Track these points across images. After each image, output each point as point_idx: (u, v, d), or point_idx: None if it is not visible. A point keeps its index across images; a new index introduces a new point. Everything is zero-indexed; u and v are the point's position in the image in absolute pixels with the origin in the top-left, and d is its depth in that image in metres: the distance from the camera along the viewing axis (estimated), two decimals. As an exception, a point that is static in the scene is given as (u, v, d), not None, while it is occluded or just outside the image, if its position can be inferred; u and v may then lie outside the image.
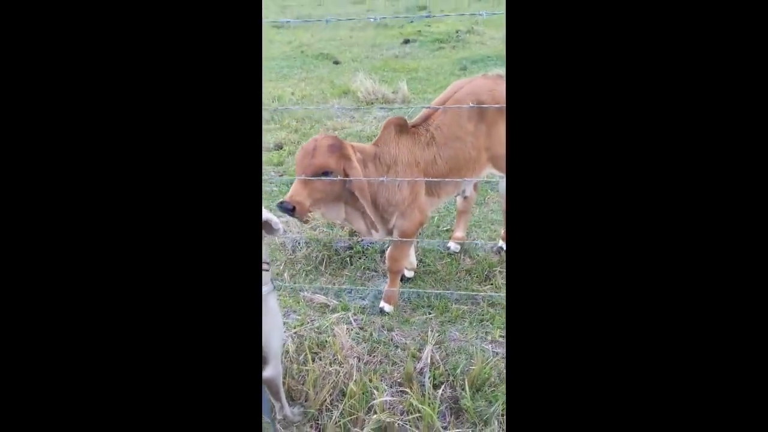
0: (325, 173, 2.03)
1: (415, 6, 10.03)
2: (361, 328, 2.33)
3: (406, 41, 7.64)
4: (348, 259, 2.84)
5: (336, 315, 2.37)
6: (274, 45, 7.94)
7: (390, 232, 2.36)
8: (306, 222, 2.12)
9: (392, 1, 10.84)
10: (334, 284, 2.67)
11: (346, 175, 2.06)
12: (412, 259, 2.63)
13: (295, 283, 2.67)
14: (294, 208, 1.97)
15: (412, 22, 8.99)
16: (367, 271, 2.78)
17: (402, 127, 2.23)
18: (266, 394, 1.68)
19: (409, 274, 2.65)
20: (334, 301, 2.52)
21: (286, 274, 2.73)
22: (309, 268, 2.80)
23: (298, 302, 2.52)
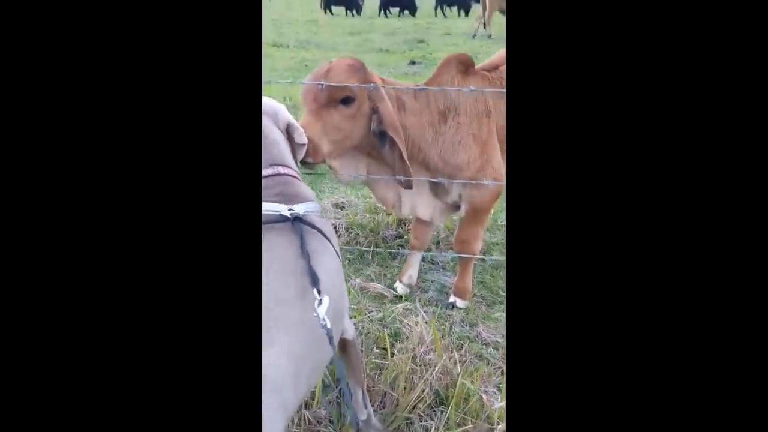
0: (345, 100, 1.46)
1: (413, 39, 10.04)
2: (435, 323, 1.83)
3: (413, 62, 7.51)
4: (399, 248, 2.37)
5: (401, 306, 1.88)
6: (275, 59, 7.64)
7: (450, 207, 1.85)
8: (312, 164, 1.49)
9: (389, 35, 10.86)
10: (385, 275, 2.19)
11: (374, 110, 1.49)
12: (412, 272, 2.04)
13: (337, 273, 2.17)
14: (304, 146, 1.37)
15: (412, 50, 8.94)
16: (423, 263, 2.31)
17: (467, 66, 1.65)
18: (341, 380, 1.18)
19: (402, 290, 2.02)
20: (393, 291, 2.03)
21: (325, 262, 2.23)
22: (352, 256, 2.31)
23: (349, 291, 2.02)
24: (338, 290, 1.07)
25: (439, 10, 19.09)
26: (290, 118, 1.25)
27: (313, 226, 1.08)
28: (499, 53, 1.88)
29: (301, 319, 0.92)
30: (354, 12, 19.21)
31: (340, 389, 1.43)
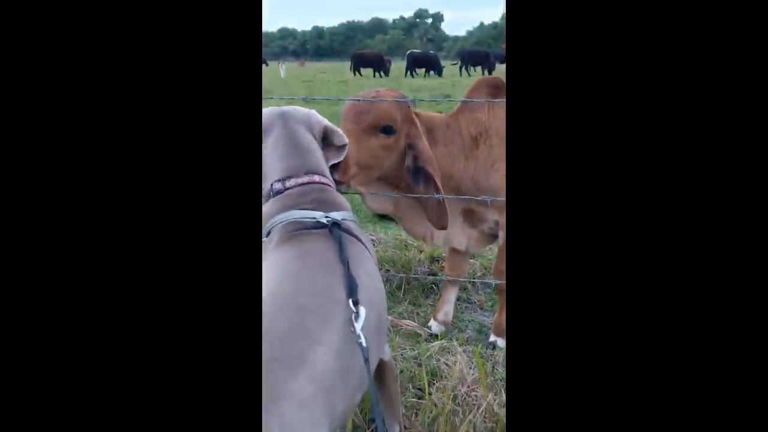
0: (387, 129, 1.41)
1: (440, 94, 10.32)
2: (479, 359, 1.67)
3: (413, 100, 7.65)
4: (432, 286, 2.25)
5: (437, 344, 1.74)
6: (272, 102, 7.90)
7: (487, 236, 1.73)
8: (338, 186, 1.40)
9: (415, 91, 11.20)
10: (418, 314, 2.06)
11: (410, 146, 1.46)
12: (447, 309, 1.90)
13: (367, 310, 2.05)
14: (337, 164, 1.30)
15: (439, 103, 9.13)
16: (458, 302, 2.17)
17: (498, 90, 1.60)
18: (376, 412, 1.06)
19: (437, 329, 1.88)
20: (427, 330, 1.89)
21: (355, 299, 2.12)
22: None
23: (380, 328, 1.89)
24: (379, 301, 0.97)
25: (464, 69, 19.73)
26: (325, 121, 1.20)
27: (351, 234, 1.00)
28: None
29: (344, 324, 0.82)
30: (381, 73, 20.07)
31: (374, 428, 1.28)
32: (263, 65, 31.41)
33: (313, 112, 1.21)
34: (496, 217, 1.66)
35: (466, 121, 1.61)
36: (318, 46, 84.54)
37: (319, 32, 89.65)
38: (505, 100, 1.59)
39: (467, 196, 1.59)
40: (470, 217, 1.70)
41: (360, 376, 0.82)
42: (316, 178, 1.09)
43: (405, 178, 1.50)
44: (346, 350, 0.80)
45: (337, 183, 1.39)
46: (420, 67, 19.95)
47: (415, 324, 1.91)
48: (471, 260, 2.48)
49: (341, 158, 1.23)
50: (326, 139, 1.20)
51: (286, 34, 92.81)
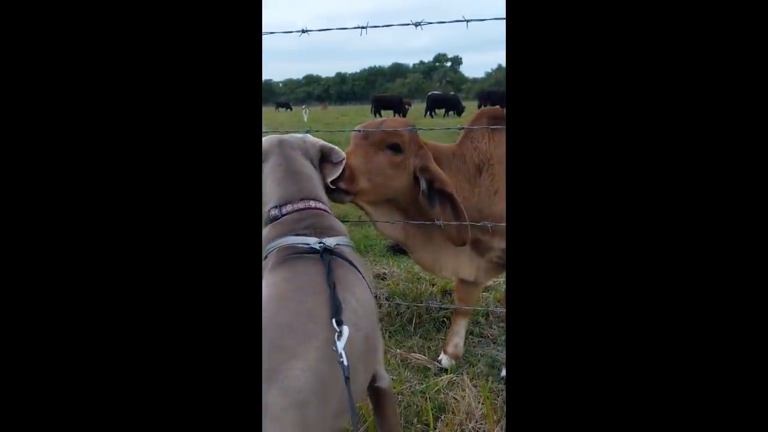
0: (394, 147, 1.45)
1: (456, 132, 10.41)
2: (486, 398, 1.61)
3: (414, 129, 7.69)
4: (444, 320, 2.20)
5: (446, 378, 1.68)
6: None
7: (496, 266, 1.70)
8: (343, 202, 1.44)
9: (432, 128, 11.31)
10: (429, 348, 2.00)
11: (423, 169, 1.48)
12: (458, 341, 1.85)
13: (376, 344, 2.01)
14: (342, 171, 1.32)
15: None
16: (471, 336, 2.11)
17: (498, 120, 1.63)
18: None
19: (447, 363, 1.82)
20: (437, 364, 1.84)
21: (364, 333, 2.08)
22: (394, 327, 2.16)
23: (389, 362, 1.84)
24: (367, 324, 0.96)
25: (483, 107, 19.94)
26: (321, 141, 1.23)
27: (343, 258, 1.00)
28: None
29: (326, 344, 0.81)
30: (400, 114, 20.52)
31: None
32: (288, 109, 32.58)
33: (308, 135, 1.24)
34: (503, 246, 1.63)
35: (470, 150, 1.63)
36: (341, 91, 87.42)
37: (341, 78, 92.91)
38: (503, 127, 1.60)
39: (468, 222, 1.58)
40: (477, 246, 1.68)
41: (342, 397, 0.80)
42: (312, 203, 1.11)
43: (421, 202, 1.51)
44: (326, 369, 0.79)
45: (345, 193, 1.41)
46: (440, 107, 20.35)
47: (425, 358, 1.86)
48: (484, 293, 2.43)
49: (338, 173, 1.25)
50: (324, 158, 1.23)
51: (311, 80, 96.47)
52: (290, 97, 70.26)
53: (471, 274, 1.72)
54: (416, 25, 1.28)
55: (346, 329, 0.83)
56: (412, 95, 49.92)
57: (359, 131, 1.50)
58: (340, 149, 1.23)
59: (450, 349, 1.84)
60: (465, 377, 1.70)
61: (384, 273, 2.61)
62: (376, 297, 2.33)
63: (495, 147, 1.61)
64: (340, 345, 0.80)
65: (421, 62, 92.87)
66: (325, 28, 1.48)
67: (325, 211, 1.13)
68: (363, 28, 1.30)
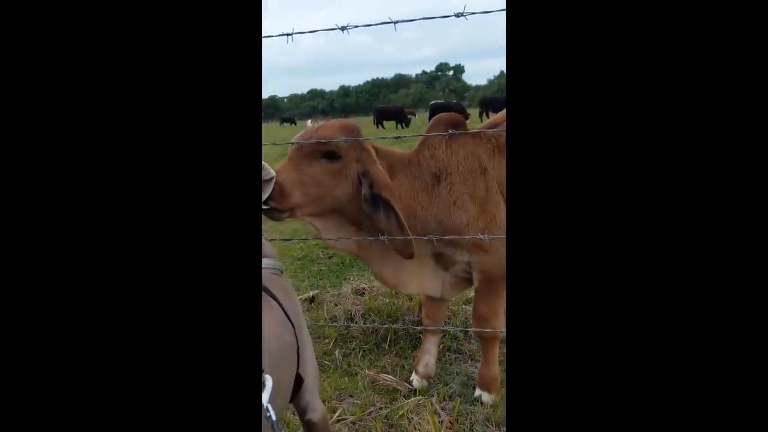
0: (329, 155, 1.37)
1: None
2: (454, 421, 1.51)
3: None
4: (420, 336, 2.11)
5: (413, 401, 1.59)
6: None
7: (461, 280, 1.61)
8: (279, 219, 1.39)
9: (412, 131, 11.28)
10: (403, 367, 1.91)
11: (364, 173, 1.39)
12: (428, 359, 1.75)
13: (349, 365, 1.93)
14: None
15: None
16: (448, 353, 2.02)
17: (456, 127, 1.52)
18: None
19: (418, 383, 1.72)
20: (407, 385, 1.74)
21: (337, 353, 2.00)
22: (368, 346, 2.07)
23: (356, 384, 1.76)
24: (285, 362, 0.88)
25: (484, 115, 19.98)
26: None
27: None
28: (501, 113, 1.77)
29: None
30: (403, 125, 20.56)
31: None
32: (293, 124, 32.80)
33: None
34: (467, 258, 1.55)
35: (426, 158, 1.55)
36: (345, 103, 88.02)
37: (345, 91, 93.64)
38: (459, 133, 1.53)
39: (426, 237, 1.50)
40: (440, 260, 1.59)
41: None
42: None
43: (365, 210, 1.43)
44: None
45: (277, 211, 1.35)
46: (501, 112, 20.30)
47: (394, 378, 1.77)
48: (465, 306, 2.34)
49: (269, 191, 1.17)
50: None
51: (315, 94, 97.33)
52: (295, 112, 70.86)
53: (437, 290, 1.64)
54: (394, 23, 1.22)
55: (269, 379, 0.74)
56: (415, 105, 50.05)
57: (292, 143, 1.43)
58: (268, 166, 1.16)
59: (421, 368, 1.76)
60: (433, 399, 1.61)
61: (363, 288, 2.53)
62: (352, 315, 2.25)
63: (453, 155, 1.53)
64: (265, 397, 0.72)
65: (424, 72, 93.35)
66: (314, 29, 1.43)
67: None
68: (344, 28, 1.24)
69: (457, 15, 1.13)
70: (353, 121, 1.52)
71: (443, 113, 1.66)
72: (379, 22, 1.25)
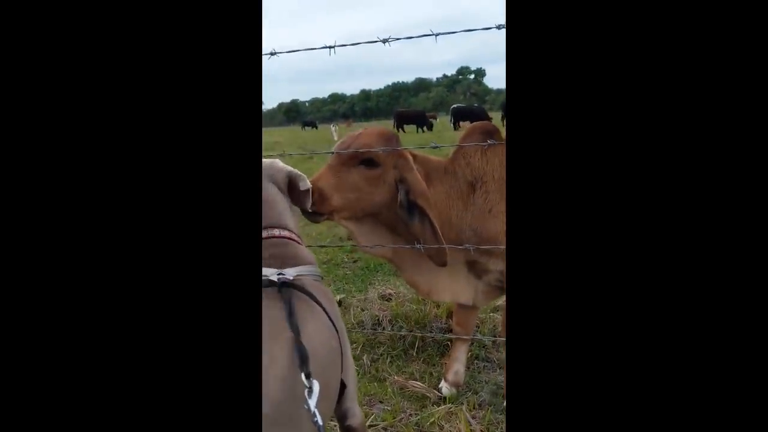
0: (368, 162, 1.39)
1: (452, 137, 10.28)
2: (485, 430, 1.50)
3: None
4: (449, 343, 2.10)
5: (443, 408, 1.59)
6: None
7: (495, 289, 1.60)
8: (317, 222, 1.41)
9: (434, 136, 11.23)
10: (431, 374, 1.91)
11: (401, 180, 1.41)
12: (458, 367, 1.73)
13: (377, 371, 1.93)
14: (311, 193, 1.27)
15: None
16: (477, 361, 2.01)
17: (492, 135, 1.52)
18: None
19: (448, 391, 1.70)
20: (436, 392, 1.74)
21: (365, 358, 2.01)
22: (396, 351, 2.07)
23: (385, 390, 1.76)
24: (331, 367, 0.89)
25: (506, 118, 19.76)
26: (288, 168, 1.18)
27: (303, 290, 0.94)
28: None
29: (290, 410, 0.75)
30: (423, 129, 20.52)
31: None
32: (314, 128, 33.06)
33: (277, 160, 1.20)
34: (501, 267, 1.54)
35: (462, 166, 1.55)
36: (366, 107, 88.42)
37: (366, 95, 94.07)
38: (497, 143, 1.52)
39: (450, 245, 1.49)
40: (474, 268, 1.59)
41: None
42: (276, 232, 1.05)
43: (400, 216, 1.44)
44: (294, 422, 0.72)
45: (317, 214, 1.37)
46: (465, 119, 20.20)
47: (423, 385, 1.76)
48: (492, 314, 2.32)
49: (308, 203, 1.20)
50: (292, 185, 1.18)
51: (336, 98, 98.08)
52: (316, 115, 71.49)
53: (469, 298, 1.63)
54: (384, 41, 1.24)
55: (316, 385, 0.75)
56: (435, 109, 49.98)
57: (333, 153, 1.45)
58: (306, 177, 1.18)
59: (450, 376, 1.75)
60: (464, 407, 1.60)
61: (390, 294, 2.53)
62: (380, 320, 2.26)
63: (488, 164, 1.53)
64: (312, 403, 0.73)
65: (445, 76, 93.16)
66: (353, 40, 1.45)
67: (290, 239, 1.07)
68: (331, 47, 1.26)
69: (499, 27, 1.13)
70: (389, 129, 1.53)
71: (478, 122, 1.65)
72: (421, 34, 1.26)
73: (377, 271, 3.08)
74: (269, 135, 25.15)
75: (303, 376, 0.76)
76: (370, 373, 1.92)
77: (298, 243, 1.09)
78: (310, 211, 1.32)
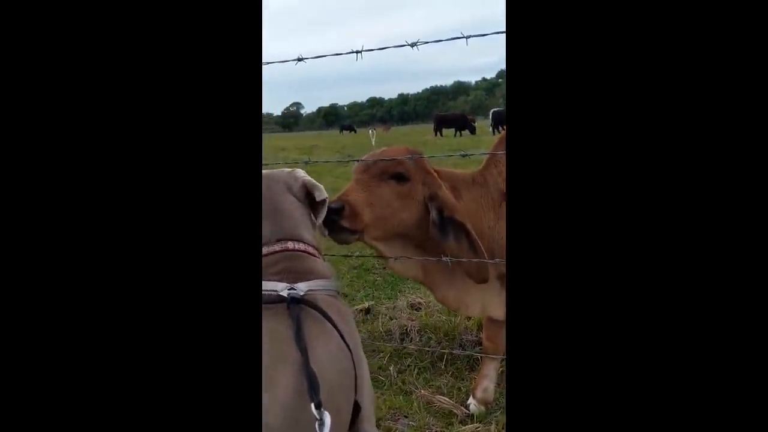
0: (398, 176, 1.34)
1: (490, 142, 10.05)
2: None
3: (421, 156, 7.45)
4: (478, 358, 2.02)
5: (470, 427, 1.52)
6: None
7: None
8: (346, 242, 1.33)
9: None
10: (459, 389, 1.84)
11: (432, 197, 1.36)
12: (488, 384, 1.66)
13: (403, 383, 1.88)
14: (342, 209, 1.24)
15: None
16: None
17: None
18: None
19: (476, 408, 1.63)
20: (464, 409, 1.67)
21: (392, 369, 1.96)
22: (423, 363, 2.01)
23: (411, 404, 1.70)
24: (343, 391, 0.84)
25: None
26: (306, 177, 1.14)
27: (315, 306, 0.89)
28: None
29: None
30: (461, 133, 20.28)
31: None
32: (352, 132, 33.30)
33: (297, 169, 1.16)
34: None
35: (494, 175, 1.49)
36: (403, 111, 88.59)
37: (404, 99, 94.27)
38: None
39: (486, 259, 1.42)
40: (504, 280, 1.52)
41: None
42: (290, 245, 1.01)
43: (432, 236, 1.39)
44: None
45: (349, 231, 1.31)
46: (502, 124, 19.88)
47: (450, 401, 1.70)
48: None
49: (323, 213, 1.14)
50: (309, 195, 1.14)
51: (374, 102, 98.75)
52: (355, 119, 72.16)
53: (501, 313, 1.56)
54: (412, 45, 1.19)
55: (327, 417, 0.71)
56: (474, 113, 49.47)
57: (358, 161, 1.41)
58: (322, 187, 1.14)
59: (479, 393, 1.67)
60: (492, 428, 1.52)
61: (419, 303, 2.47)
62: (408, 330, 2.20)
63: None
64: None
65: (484, 79, 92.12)
66: (381, 45, 1.42)
67: (305, 252, 1.03)
68: (358, 52, 1.23)
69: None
70: (414, 149, 1.47)
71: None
72: (451, 37, 1.21)
73: (407, 279, 3.03)
74: (299, 139, 25.28)
75: (313, 406, 0.72)
76: (396, 385, 1.87)
77: (315, 256, 1.05)
78: (340, 226, 1.27)
